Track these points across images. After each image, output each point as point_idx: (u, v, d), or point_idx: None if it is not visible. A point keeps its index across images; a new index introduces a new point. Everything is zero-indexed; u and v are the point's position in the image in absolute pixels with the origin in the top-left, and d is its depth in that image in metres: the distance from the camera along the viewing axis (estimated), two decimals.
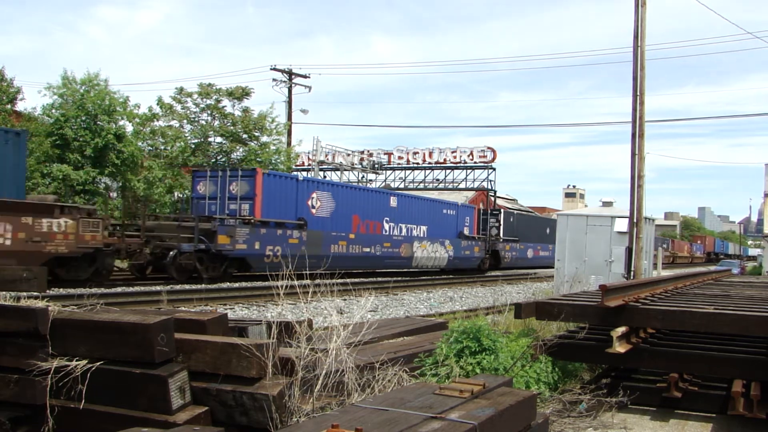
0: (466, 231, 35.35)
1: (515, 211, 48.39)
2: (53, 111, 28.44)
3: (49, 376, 3.94)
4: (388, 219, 29.46)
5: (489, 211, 40.61)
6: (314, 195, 25.50)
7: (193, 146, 32.46)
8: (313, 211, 25.36)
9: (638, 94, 15.13)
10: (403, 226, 30.42)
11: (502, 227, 39.27)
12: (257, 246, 22.29)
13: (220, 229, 21.11)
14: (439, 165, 47.05)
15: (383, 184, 46.90)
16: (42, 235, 16.58)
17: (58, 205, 17.46)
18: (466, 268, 35.29)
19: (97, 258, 18.57)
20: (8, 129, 19.42)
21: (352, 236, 26.94)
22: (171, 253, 20.16)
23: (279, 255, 22.47)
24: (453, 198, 45.14)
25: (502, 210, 42.36)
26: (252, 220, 22.42)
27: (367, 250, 27.78)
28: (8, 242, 15.83)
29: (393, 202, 30.11)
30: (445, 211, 34.11)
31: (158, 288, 17.25)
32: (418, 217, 31.56)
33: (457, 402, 3.56)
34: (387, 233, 29.35)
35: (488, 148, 45.95)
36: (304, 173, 42.54)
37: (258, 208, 23.06)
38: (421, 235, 31.58)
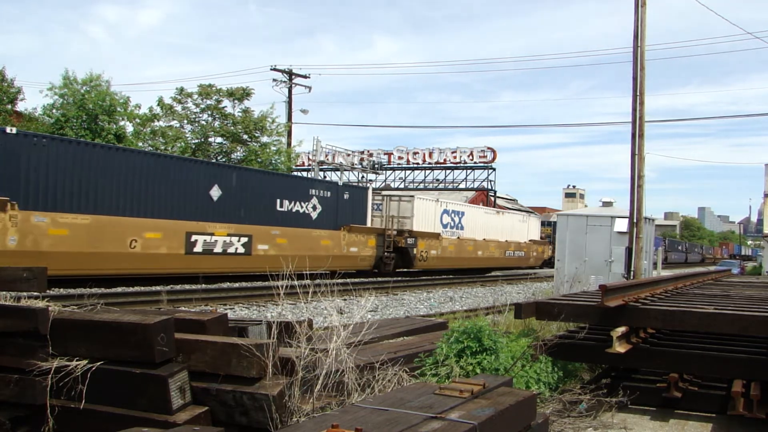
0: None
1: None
2: (54, 111, 28.45)
3: (50, 376, 3.93)
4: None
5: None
6: None
7: (193, 146, 32.46)
8: None
9: (638, 94, 15.13)
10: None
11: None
12: None
13: None
14: (439, 165, 47.08)
15: (383, 184, 46.89)
16: None
17: None
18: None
19: None
20: None
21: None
22: None
23: None
24: (452, 198, 44.94)
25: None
26: None
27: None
28: None
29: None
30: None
31: (158, 288, 17.26)
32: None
33: (457, 402, 3.56)
34: None
35: (488, 148, 46.00)
36: (305, 173, 42.51)
37: None
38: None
